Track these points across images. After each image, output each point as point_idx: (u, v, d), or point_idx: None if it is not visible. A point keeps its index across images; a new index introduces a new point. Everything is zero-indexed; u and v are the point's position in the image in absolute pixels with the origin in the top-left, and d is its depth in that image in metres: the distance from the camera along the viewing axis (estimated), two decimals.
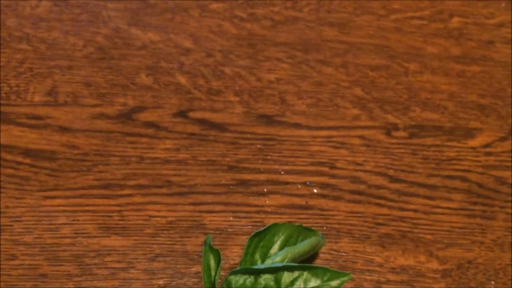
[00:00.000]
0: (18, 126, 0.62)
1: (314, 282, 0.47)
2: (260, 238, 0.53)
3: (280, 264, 0.48)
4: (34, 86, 0.64)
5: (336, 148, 0.65)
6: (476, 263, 0.61)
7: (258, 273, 0.47)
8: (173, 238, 0.59)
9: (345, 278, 0.47)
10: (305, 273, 0.47)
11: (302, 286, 0.47)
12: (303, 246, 0.53)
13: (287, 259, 0.51)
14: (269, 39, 0.71)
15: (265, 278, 0.47)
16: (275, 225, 0.54)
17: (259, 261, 0.52)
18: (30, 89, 0.64)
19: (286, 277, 0.47)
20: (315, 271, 0.47)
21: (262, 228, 0.53)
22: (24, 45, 0.67)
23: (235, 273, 0.48)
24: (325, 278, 0.47)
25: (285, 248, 0.52)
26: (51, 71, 0.66)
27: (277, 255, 0.51)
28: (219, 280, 0.50)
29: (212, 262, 0.49)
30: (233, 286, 0.48)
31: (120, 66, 0.67)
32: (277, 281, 0.47)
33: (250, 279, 0.48)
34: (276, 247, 0.53)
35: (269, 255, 0.52)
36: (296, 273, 0.47)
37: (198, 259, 0.58)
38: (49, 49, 0.67)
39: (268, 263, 0.51)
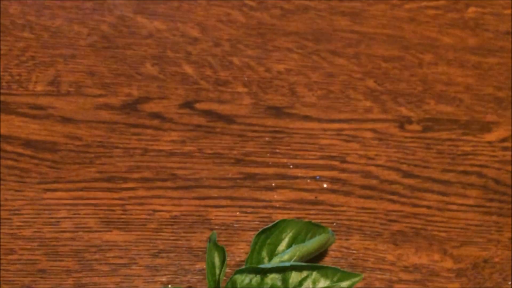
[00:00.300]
0: (19, 116, 0.61)
1: (323, 282, 0.45)
2: (267, 235, 0.51)
3: (288, 264, 0.46)
4: (36, 75, 0.63)
5: (347, 142, 0.64)
6: (492, 262, 0.59)
7: (264, 272, 0.46)
8: (177, 233, 0.57)
9: (356, 279, 0.45)
10: (314, 273, 0.45)
11: (310, 286, 0.45)
12: (312, 244, 0.51)
13: (295, 257, 0.49)
14: (279, 29, 0.69)
15: (272, 278, 0.46)
16: (283, 221, 0.52)
17: (266, 259, 0.50)
18: (32, 78, 0.63)
19: (294, 277, 0.46)
20: (325, 271, 0.46)
21: (269, 225, 0.52)
22: (27, 33, 0.65)
23: (240, 272, 0.46)
24: (335, 279, 0.45)
25: (293, 246, 0.50)
26: (54, 60, 0.64)
27: (284, 253, 0.50)
28: (224, 278, 0.48)
29: (217, 260, 0.47)
30: (239, 286, 0.46)
31: (125, 55, 0.65)
32: (285, 281, 0.46)
33: (256, 279, 0.46)
34: (284, 244, 0.51)
35: (276, 252, 0.50)
36: (304, 273, 0.46)
37: (203, 256, 0.56)
38: (52, 37, 0.65)
39: (276, 261, 0.49)
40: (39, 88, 0.62)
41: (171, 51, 0.66)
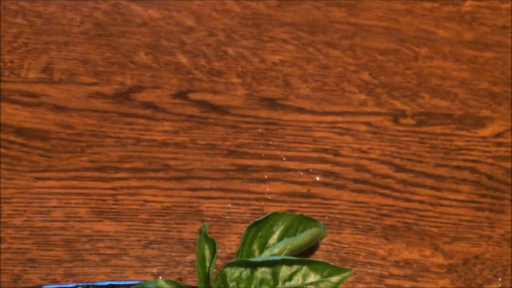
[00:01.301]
0: (11, 103, 0.60)
1: (313, 277, 0.45)
2: (259, 228, 0.50)
3: (278, 257, 0.45)
4: (28, 62, 0.62)
5: (341, 135, 0.63)
6: (483, 259, 0.59)
7: (254, 266, 0.45)
8: (168, 224, 0.57)
9: (346, 274, 0.45)
10: (304, 268, 0.45)
11: (300, 281, 0.45)
12: (303, 237, 0.51)
13: (286, 251, 0.49)
14: (274, 19, 0.68)
15: (262, 272, 0.45)
16: (274, 214, 0.52)
17: (256, 252, 0.50)
18: (25, 65, 0.62)
19: (284, 271, 0.45)
20: (315, 266, 0.45)
21: (261, 217, 0.51)
22: (20, 19, 0.64)
23: (230, 265, 0.46)
24: (325, 274, 0.45)
25: (284, 239, 0.50)
26: (46, 47, 0.63)
27: (275, 246, 0.49)
28: (215, 270, 0.48)
29: (207, 253, 0.47)
30: (228, 279, 0.45)
31: (118, 43, 0.65)
32: (275, 275, 0.45)
33: (246, 272, 0.45)
34: (275, 237, 0.51)
35: (267, 245, 0.50)
36: (294, 267, 0.45)
37: (194, 247, 0.56)
38: (45, 24, 0.65)
39: (266, 254, 0.49)
40: (31, 75, 0.62)
41: (165, 40, 0.66)
